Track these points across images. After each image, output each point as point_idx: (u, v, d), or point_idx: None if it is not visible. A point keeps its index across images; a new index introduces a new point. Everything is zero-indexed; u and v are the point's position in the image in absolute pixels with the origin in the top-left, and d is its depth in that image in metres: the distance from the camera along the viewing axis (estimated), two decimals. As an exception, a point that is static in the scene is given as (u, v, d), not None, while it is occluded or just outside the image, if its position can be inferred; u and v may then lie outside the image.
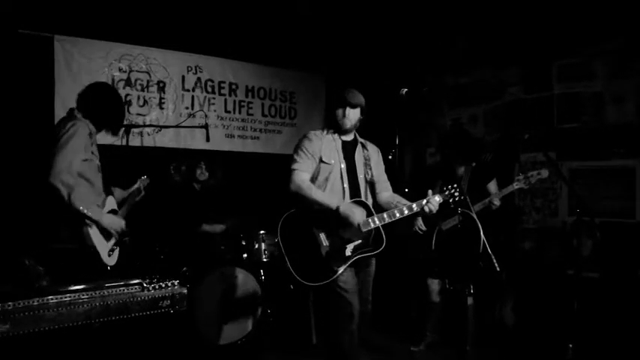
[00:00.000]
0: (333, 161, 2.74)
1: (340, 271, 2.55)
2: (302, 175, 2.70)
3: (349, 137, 2.87)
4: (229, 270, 3.68)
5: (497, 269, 2.25)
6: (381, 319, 4.23)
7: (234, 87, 5.04)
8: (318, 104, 5.56)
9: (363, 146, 2.90)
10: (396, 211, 2.66)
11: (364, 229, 2.63)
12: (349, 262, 2.59)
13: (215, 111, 4.91)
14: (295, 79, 5.41)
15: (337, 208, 2.57)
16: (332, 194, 2.70)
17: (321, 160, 2.74)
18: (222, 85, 4.97)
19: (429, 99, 5.25)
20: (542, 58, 4.34)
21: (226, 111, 4.99)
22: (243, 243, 3.99)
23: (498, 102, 4.69)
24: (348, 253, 2.60)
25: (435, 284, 3.77)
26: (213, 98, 4.91)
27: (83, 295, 1.82)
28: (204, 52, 4.81)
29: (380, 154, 2.99)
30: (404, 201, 2.81)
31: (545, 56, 4.32)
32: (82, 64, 4.19)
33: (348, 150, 2.83)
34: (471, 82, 4.95)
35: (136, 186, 3.14)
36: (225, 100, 4.99)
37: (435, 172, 3.97)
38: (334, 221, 2.60)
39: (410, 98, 2.85)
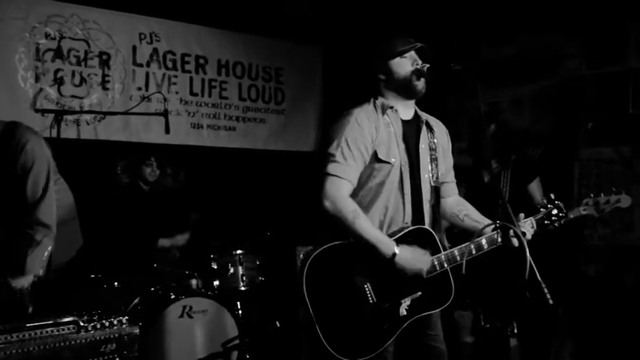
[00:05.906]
0: (394, 159, 2.38)
1: (392, 340, 2.33)
2: (344, 187, 2.30)
3: (410, 114, 2.51)
4: (195, 302, 3.67)
5: (550, 302, 2.24)
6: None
7: (202, 61, 5.05)
8: (312, 85, 5.60)
9: (429, 127, 2.54)
10: (472, 247, 2.40)
11: (427, 276, 2.36)
12: (404, 326, 2.36)
13: (177, 93, 4.92)
14: (283, 51, 5.43)
15: (394, 256, 2.27)
16: (386, 215, 2.40)
17: (376, 158, 2.36)
18: (187, 58, 4.98)
19: (460, 77, 5.24)
20: (612, 20, 4.31)
21: (192, 93, 5.01)
22: (214, 266, 3.99)
23: (551, 80, 4.69)
24: (402, 312, 2.36)
25: (465, 319, 3.79)
26: (175, 76, 4.92)
27: (-7, 340, 1.79)
28: (161, 15, 4.82)
29: (449, 136, 2.67)
30: (473, 212, 2.58)
31: (617, 16, 4.28)
32: (-8, 27, 4.16)
33: (411, 136, 2.46)
34: (514, 53, 4.93)
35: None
36: (191, 78, 5.01)
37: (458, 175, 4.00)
38: (385, 264, 2.31)
39: (434, 77, 2.83)
